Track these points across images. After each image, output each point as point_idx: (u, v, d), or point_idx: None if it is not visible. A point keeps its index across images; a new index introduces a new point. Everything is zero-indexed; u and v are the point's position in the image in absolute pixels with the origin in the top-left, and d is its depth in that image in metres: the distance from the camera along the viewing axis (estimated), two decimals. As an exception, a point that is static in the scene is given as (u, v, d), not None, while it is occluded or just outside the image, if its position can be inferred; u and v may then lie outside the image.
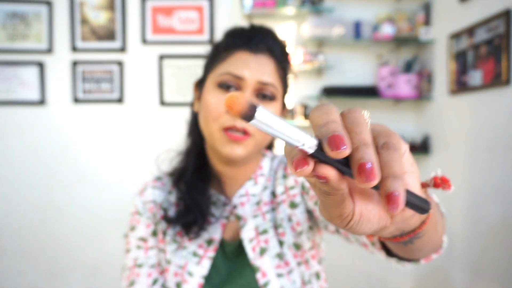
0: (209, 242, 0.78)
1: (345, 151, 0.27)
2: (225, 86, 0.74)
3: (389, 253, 0.57)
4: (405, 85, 2.63)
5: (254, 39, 0.76)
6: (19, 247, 2.50)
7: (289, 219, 0.79)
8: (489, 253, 2.05)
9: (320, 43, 2.70)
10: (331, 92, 2.63)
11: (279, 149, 0.93)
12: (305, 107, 2.63)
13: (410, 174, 0.32)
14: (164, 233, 0.81)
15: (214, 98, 0.74)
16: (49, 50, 2.49)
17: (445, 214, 0.57)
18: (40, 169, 2.51)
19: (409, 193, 0.31)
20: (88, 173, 2.53)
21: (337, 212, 0.31)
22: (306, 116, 2.62)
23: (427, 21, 2.65)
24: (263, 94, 0.75)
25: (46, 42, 2.49)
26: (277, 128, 0.29)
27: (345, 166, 0.29)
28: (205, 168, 0.83)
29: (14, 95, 2.48)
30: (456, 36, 2.32)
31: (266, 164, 0.85)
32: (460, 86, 2.28)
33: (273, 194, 0.82)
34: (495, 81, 1.98)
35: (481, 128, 2.11)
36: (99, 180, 2.54)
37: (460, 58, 2.29)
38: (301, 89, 2.75)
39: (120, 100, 2.52)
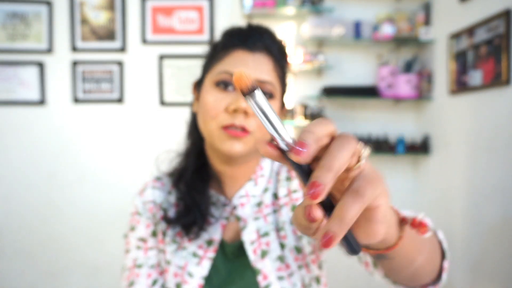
0: (209, 242, 0.78)
1: (298, 157, 0.31)
2: (223, 85, 0.74)
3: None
4: (405, 85, 2.63)
5: (252, 38, 0.76)
6: (19, 247, 2.50)
7: (291, 222, 0.78)
8: (489, 253, 2.05)
9: (320, 43, 2.69)
10: (331, 92, 2.63)
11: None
12: (305, 107, 2.63)
13: (381, 196, 0.34)
14: (164, 234, 0.81)
15: (212, 97, 0.74)
16: (49, 50, 2.49)
17: (448, 254, 0.61)
18: (40, 169, 2.51)
19: (349, 233, 0.34)
20: (88, 173, 2.53)
21: (304, 224, 0.33)
22: (306, 116, 2.62)
23: (427, 21, 2.65)
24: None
25: (46, 42, 2.49)
26: (267, 113, 0.33)
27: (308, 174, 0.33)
28: (205, 168, 0.83)
29: (14, 95, 2.48)
30: (456, 36, 2.32)
31: (266, 164, 0.84)
32: (460, 86, 2.28)
33: (275, 196, 0.82)
34: (495, 81, 1.98)
35: (481, 128, 2.11)
36: (99, 180, 2.54)
37: (460, 58, 2.29)
38: (301, 89, 2.75)
39: (120, 100, 2.52)
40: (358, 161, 0.33)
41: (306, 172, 0.33)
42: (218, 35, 0.82)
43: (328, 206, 0.33)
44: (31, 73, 2.49)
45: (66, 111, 2.53)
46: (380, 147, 2.66)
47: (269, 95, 0.75)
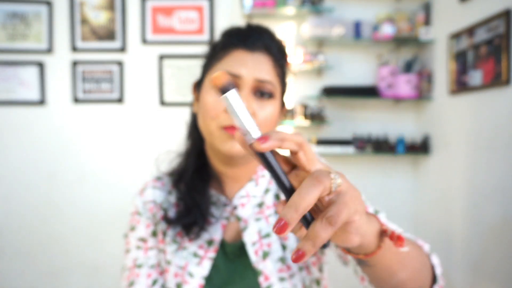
0: (210, 242, 0.78)
1: (260, 145, 0.35)
2: None
3: None
4: (405, 85, 2.63)
5: (251, 37, 0.76)
6: (19, 247, 2.50)
7: None
8: (489, 253, 2.05)
9: (320, 43, 2.69)
10: (331, 92, 2.63)
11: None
12: (305, 107, 2.63)
13: (355, 214, 0.38)
14: (164, 234, 0.81)
15: (212, 98, 0.73)
16: (49, 50, 2.49)
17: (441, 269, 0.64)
18: (40, 169, 2.51)
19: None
20: (88, 173, 2.53)
21: None
22: (306, 116, 2.62)
23: (427, 21, 2.65)
24: (261, 92, 0.74)
25: (46, 42, 2.49)
26: (238, 110, 0.36)
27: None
28: (205, 168, 0.83)
29: (14, 95, 2.48)
30: (456, 36, 2.32)
31: None
32: (460, 86, 2.28)
33: (277, 197, 0.82)
34: (495, 81, 1.98)
35: (481, 128, 2.11)
36: (99, 180, 2.54)
37: (460, 58, 2.29)
38: (301, 89, 2.75)
39: (120, 100, 2.52)
40: (330, 192, 0.37)
41: (284, 185, 0.38)
42: (218, 35, 0.81)
43: (308, 218, 0.38)
44: (31, 73, 2.49)
45: (66, 111, 2.53)
46: (380, 147, 2.66)
47: (269, 95, 0.75)
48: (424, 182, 2.73)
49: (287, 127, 2.68)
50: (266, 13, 2.65)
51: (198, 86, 0.82)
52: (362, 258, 0.46)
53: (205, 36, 2.53)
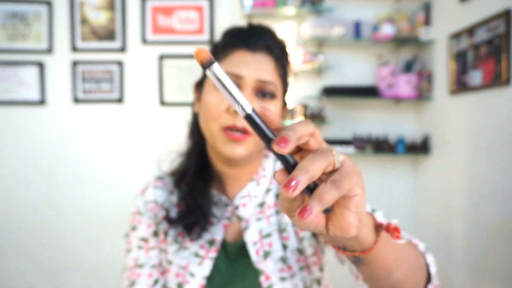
0: (211, 242, 0.78)
1: (280, 149, 0.35)
2: None
3: None
4: (405, 85, 2.64)
5: (252, 37, 0.76)
6: (19, 247, 2.50)
7: (293, 224, 0.78)
8: (489, 253, 2.05)
9: (320, 43, 2.70)
10: (331, 92, 2.63)
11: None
12: (305, 107, 2.63)
13: (357, 187, 0.38)
14: (166, 234, 0.81)
15: (213, 98, 0.74)
16: (49, 50, 2.49)
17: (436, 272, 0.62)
18: (40, 169, 2.51)
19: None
20: (88, 173, 2.53)
21: (287, 206, 0.38)
22: (306, 116, 2.62)
23: (427, 21, 2.66)
24: (262, 92, 0.75)
25: (46, 42, 2.49)
26: (225, 84, 0.36)
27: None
28: (207, 168, 0.83)
29: (14, 95, 2.48)
30: (456, 36, 2.32)
31: (268, 165, 0.84)
32: (460, 86, 2.29)
33: (278, 197, 0.82)
34: (495, 81, 1.98)
35: (481, 128, 2.11)
36: (99, 180, 2.54)
37: (460, 58, 2.29)
38: (301, 89, 2.75)
39: (120, 100, 2.52)
40: (333, 168, 0.37)
41: (289, 162, 0.37)
42: (218, 35, 0.81)
43: (312, 188, 0.38)
44: (31, 73, 2.49)
45: (66, 111, 2.52)
46: (380, 147, 2.66)
47: (270, 95, 0.75)
48: (424, 182, 2.73)
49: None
50: (266, 13, 2.65)
51: (199, 86, 0.82)
52: (359, 256, 0.46)
53: (205, 36, 2.53)
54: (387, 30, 2.61)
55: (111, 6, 2.52)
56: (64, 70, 2.51)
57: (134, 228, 0.83)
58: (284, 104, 0.82)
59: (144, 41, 2.52)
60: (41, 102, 2.49)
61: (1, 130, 2.50)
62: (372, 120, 2.81)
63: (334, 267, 1.00)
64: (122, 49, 2.51)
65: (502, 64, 1.93)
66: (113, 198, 2.51)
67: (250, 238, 0.77)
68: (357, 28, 2.66)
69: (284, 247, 0.77)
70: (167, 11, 2.53)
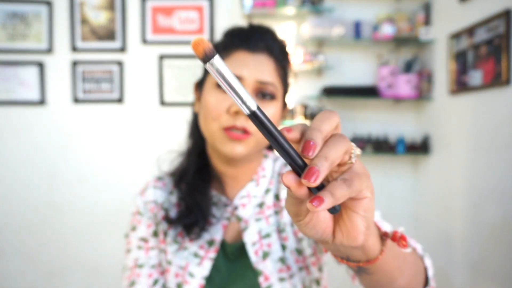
0: (210, 243, 0.78)
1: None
2: None
3: None
4: (405, 85, 2.64)
5: (253, 38, 0.76)
6: (19, 247, 2.50)
7: (292, 224, 0.78)
8: (489, 253, 2.05)
9: (320, 43, 2.70)
10: (331, 92, 2.63)
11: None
12: (305, 107, 2.63)
13: (367, 190, 0.37)
14: (165, 234, 0.81)
15: (213, 98, 0.74)
16: (49, 50, 2.49)
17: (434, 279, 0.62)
18: (40, 169, 2.51)
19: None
20: (88, 173, 2.53)
21: (294, 210, 0.37)
22: (306, 116, 2.62)
23: (427, 21, 2.66)
24: (262, 93, 0.75)
25: (46, 42, 2.49)
26: (228, 78, 0.32)
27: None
28: (206, 168, 0.83)
29: (14, 95, 2.48)
30: (456, 36, 2.32)
31: (268, 165, 0.84)
32: (460, 86, 2.28)
33: (277, 197, 0.82)
34: (495, 81, 1.98)
35: (481, 128, 2.11)
36: (99, 180, 2.54)
37: (460, 58, 2.29)
38: (301, 89, 2.75)
39: (120, 100, 2.52)
40: (350, 158, 0.36)
41: (297, 163, 0.35)
42: (218, 35, 0.81)
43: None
44: (31, 73, 2.49)
45: (66, 111, 2.52)
46: (380, 147, 2.66)
47: (270, 96, 0.75)
48: (424, 182, 2.73)
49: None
50: (266, 13, 2.65)
51: (199, 86, 0.82)
52: (363, 266, 0.44)
53: (205, 36, 2.52)
54: (387, 30, 2.61)
55: (111, 6, 2.52)
56: (64, 70, 2.51)
57: (134, 228, 0.83)
58: (284, 105, 0.82)
59: (144, 41, 2.52)
60: (41, 102, 2.49)
61: (1, 130, 2.50)
62: (372, 120, 2.81)
63: (333, 268, 1.00)
64: (122, 49, 2.51)
65: (502, 64, 1.93)
66: (113, 198, 2.51)
67: (249, 238, 0.77)
68: (357, 28, 2.66)
69: (283, 247, 0.77)
70: (167, 11, 2.53)
